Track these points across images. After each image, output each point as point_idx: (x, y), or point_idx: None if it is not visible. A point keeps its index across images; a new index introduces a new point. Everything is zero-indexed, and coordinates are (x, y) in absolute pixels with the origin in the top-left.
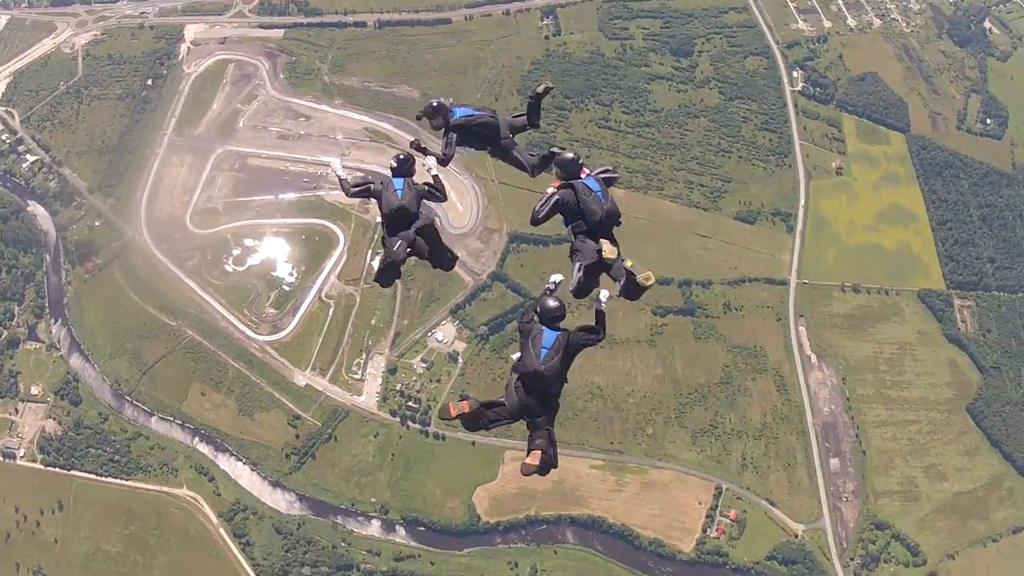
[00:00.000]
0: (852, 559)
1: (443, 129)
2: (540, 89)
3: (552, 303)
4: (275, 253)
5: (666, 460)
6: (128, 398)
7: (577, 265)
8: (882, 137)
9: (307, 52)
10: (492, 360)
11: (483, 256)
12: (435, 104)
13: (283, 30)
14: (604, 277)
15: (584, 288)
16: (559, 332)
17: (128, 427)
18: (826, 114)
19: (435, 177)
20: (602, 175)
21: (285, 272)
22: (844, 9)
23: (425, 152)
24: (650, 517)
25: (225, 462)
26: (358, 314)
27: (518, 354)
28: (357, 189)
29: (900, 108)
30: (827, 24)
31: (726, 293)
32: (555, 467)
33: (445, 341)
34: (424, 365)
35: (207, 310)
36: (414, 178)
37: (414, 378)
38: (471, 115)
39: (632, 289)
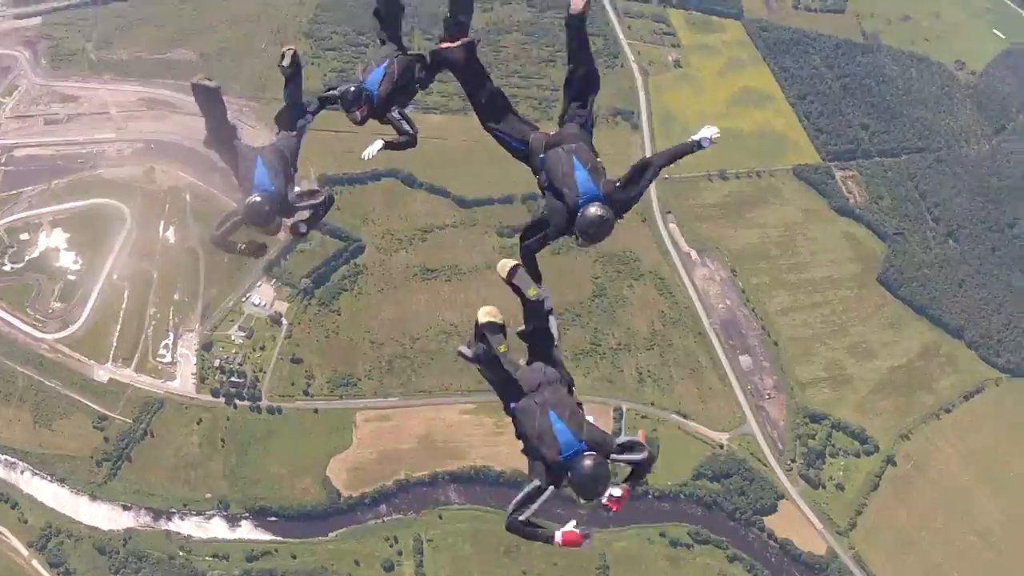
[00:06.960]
0: (793, 460)
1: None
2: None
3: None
4: (55, 242)
5: None
6: None
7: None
8: (716, 26)
9: (69, 34)
10: (322, 315)
11: None
12: (350, 92)
13: (40, 17)
14: None
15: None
16: None
17: None
18: (649, 12)
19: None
20: None
21: (69, 260)
22: None
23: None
24: None
25: (27, 483)
26: (158, 291)
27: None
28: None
29: None
30: None
31: None
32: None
33: (263, 304)
34: (243, 334)
35: None
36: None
37: (233, 351)
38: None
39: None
